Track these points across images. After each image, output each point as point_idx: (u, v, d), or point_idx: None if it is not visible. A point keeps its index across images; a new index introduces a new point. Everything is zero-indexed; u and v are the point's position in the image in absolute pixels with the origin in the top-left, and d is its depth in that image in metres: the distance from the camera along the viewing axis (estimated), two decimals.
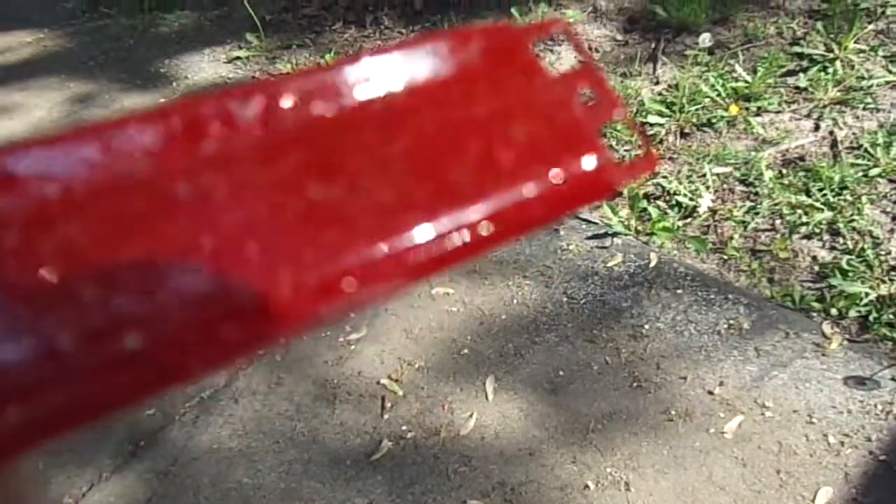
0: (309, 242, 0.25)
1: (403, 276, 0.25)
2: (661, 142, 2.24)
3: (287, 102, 0.27)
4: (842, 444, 1.44)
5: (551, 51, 2.77)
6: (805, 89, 2.31)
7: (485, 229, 0.27)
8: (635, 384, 1.60)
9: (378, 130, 0.27)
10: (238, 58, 3.20)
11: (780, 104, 2.29)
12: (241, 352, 0.23)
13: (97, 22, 3.79)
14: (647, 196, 2.05)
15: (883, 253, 1.77)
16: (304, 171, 0.26)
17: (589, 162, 0.30)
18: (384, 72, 0.29)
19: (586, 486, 1.44)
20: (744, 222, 1.93)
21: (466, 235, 0.26)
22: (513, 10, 2.89)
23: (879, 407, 1.49)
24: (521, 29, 0.33)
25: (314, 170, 0.26)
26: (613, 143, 2.26)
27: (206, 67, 3.20)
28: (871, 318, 1.64)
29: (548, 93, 0.31)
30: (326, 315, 0.24)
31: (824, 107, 2.23)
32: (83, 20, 3.84)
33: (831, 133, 2.15)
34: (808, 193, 1.95)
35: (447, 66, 0.30)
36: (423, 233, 0.26)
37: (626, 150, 2.25)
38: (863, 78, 2.28)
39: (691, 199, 2.00)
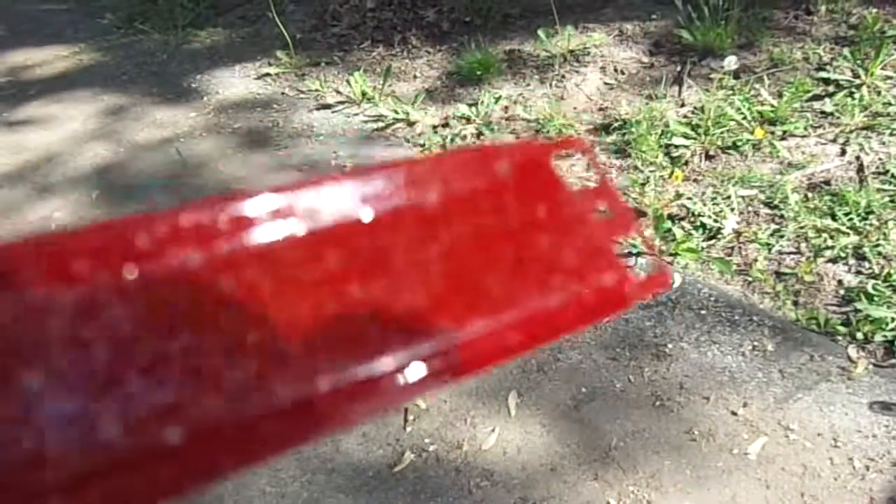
0: (348, 345, 0.25)
1: (437, 380, 0.26)
2: (686, 163, 2.26)
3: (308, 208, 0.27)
4: (867, 468, 1.43)
5: (577, 72, 2.79)
6: (831, 114, 2.31)
7: (514, 339, 0.28)
8: (658, 403, 1.60)
9: (412, 239, 0.28)
10: (268, 74, 3.26)
11: (805, 128, 2.29)
12: (276, 450, 0.23)
13: (131, 37, 3.88)
14: (671, 217, 2.06)
15: None
16: (335, 275, 0.26)
17: (609, 278, 0.31)
18: (410, 184, 0.29)
19: None
20: (769, 245, 1.93)
21: (494, 343, 0.27)
22: (539, 32, 2.92)
23: None
24: (542, 146, 0.34)
25: (344, 273, 0.26)
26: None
27: (236, 83, 3.26)
28: None
29: (569, 209, 0.33)
30: (362, 417, 0.24)
31: (850, 132, 2.24)
32: (118, 35, 3.93)
33: (857, 158, 2.15)
34: (833, 217, 1.95)
35: (476, 181, 0.31)
36: (454, 339, 0.27)
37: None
38: (889, 104, 2.28)
39: (716, 221, 2.01)
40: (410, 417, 1.65)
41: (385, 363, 0.25)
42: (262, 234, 0.26)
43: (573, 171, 1.91)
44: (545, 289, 0.29)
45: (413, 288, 0.27)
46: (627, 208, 0.35)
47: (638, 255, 1.80)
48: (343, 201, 0.27)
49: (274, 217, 0.26)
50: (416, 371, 0.26)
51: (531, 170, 0.33)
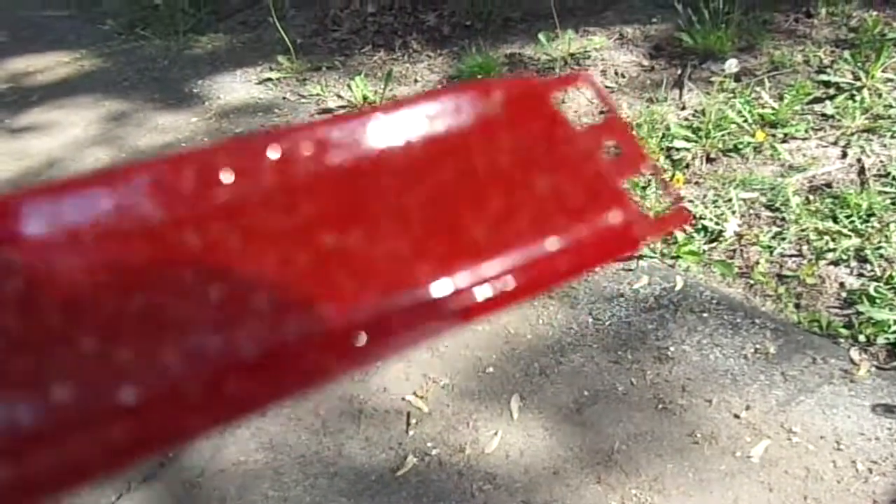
0: (321, 294, 0.23)
1: (419, 333, 0.24)
2: (687, 166, 2.26)
3: (307, 150, 0.26)
4: (870, 470, 1.43)
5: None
6: (832, 117, 2.32)
7: (506, 285, 0.26)
8: (660, 406, 1.60)
9: (399, 180, 0.27)
10: (269, 79, 3.27)
11: (806, 131, 2.29)
12: (245, 409, 0.21)
13: (132, 43, 3.89)
14: None
15: None
16: (319, 221, 0.25)
17: (615, 216, 0.29)
18: (408, 123, 0.28)
19: None
20: (770, 247, 1.93)
21: (488, 290, 0.25)
22: (540, 36, 2.93)
23: None
24: (544, 82, 0.32)
25: (331, 219, 0.25)
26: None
27: (237, 88, 3.27)
28: None
29: (573, 146, 0.30)
30: (337, 371, 0.23)
31: (851, 134, 2.24)
32: (119, 41, 3.94)
33: (859, 160, 2.15)
34: (835, 220, 1.95)
35: (472, 119, 0.29)
36: (440, 288, 0.25)
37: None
38: (890, 106, 2.28)
39: (717, 224, 2.01)
40: (413, 421, 1.65)
41: (365, 314, 0.23)
42: (232, 188, 0.24)
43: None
44: (544, 230, 0.27)
45: (395, 234, 0.25)
46: (638, 145, 0.32)
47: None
48: (335, 145, 0.26)
49: (247, 168, 0.25)
50: (392, 325, 0.24)
51: (530, 107, 0.31)
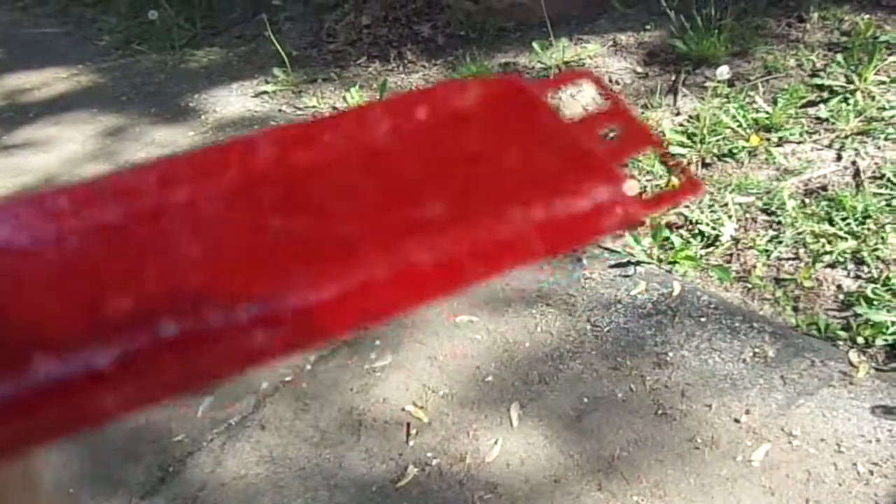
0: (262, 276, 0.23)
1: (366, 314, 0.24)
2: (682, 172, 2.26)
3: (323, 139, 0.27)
4: (871, 472, 1.43)
5: (572, 83, 2.80)
6: (826, 120, 2.32)
7: (472, 257, 0.25)
8: (660, 412, 1.60)
9: (372, 175, 0.27)
10: (265, 92, 3.28)
11: (801, 135, 2.30)
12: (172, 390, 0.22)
13: (129, 58, 3.90)
14: (669, 225, 2.06)
15: None
16: (279, 215, 0.25)
17: (605, 192, 0.28)
18: (385, 121, 0.28)
19: None
20: (767, 251, 1.94)
21: (451, 263, 0.25)
22: (534, 45, 2.94)
23: None
24: (539, 82, 0.31)
25: (288, 212, 0.25)
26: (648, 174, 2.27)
27: (233, 101, 3.28)
28: None
29: (562, 133, 0.29)
30: (260, 359, 0.23)
31: (846, 137, 2.24)
32: (115, 57, 3.96)
33: (853, 163, 2.16)
34: (831, 222, 1.96)
35: (456, 112, 0.28)
36: (390, 265, 0.24)
37: (651, 181, 2.27)
38: (884, 109, 2.29)
39: (714, 229, 2.01)
40: (413, 431, 1.64)
41: (312, 294, 0.23)
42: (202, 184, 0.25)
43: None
44: (526, 205, 0.26)
45: (353, 217, 0.25)
46: (641, 124, 0.30)
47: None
48: (321, 144, 0.27)
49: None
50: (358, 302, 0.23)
51: (520, 103, 0.30)
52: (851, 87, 2.39)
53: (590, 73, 0.33)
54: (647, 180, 2.27)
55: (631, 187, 0.28)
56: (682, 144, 2.33)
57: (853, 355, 1.64)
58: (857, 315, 1.72)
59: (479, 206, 0.26)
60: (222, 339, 0.22)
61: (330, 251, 0.24)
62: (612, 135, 0.30)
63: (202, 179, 0.25)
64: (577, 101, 2.22)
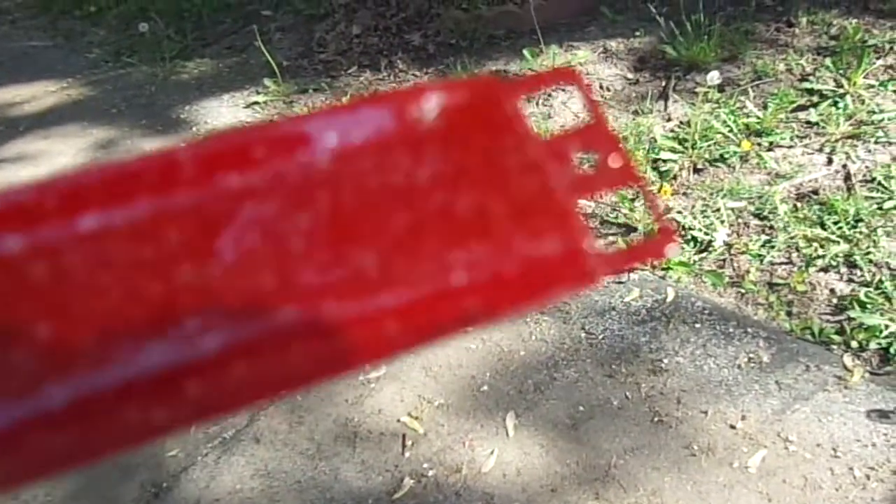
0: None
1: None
2: (674, 177, 2.27)
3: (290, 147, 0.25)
4: (867, 477, 1.43)
5: (563, 90, 2.81)
6: (816, 124, 2.33)
7: (396, 327, 0.22)
8: (656, 419, 1.59)
9: (301, 206, 0.24)
10: (256, 103, 3.27)
11: (792, 139, 2.31)
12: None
13: (119, 71, 3.89)
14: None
15: None
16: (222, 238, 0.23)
17: (554, 245, 0.24)
18: (328, 135, 0.25)
19: None
20: (760, 256, 1.94)
21: (365, 333, 0.22)
22: (525, 52, 2.94)
23: None
24: (514, 82, 0.27)
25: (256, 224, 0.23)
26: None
27: (224, 112, 3.27)
28: (891, 349, 1.63)
29: (535, 157, 0.25)
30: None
31: (836, 141, 2.25)
32: (105, 69, 3.95)
33: (844, 167, 2.17)
34: (823, 226, 1.96)
35: (410, 129, 0.25)
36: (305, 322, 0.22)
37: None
38: (874, 112, 2.30)
39: (706, 234, 2.01)
40: (408, 442, 1.64)
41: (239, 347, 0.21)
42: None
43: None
44: (454, 261, 0.22)
45: (276, 267, 0.22)
46: (622, 151, 0.26)
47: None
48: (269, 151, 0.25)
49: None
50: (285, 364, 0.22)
51: (488, 116, 0.25)
52: (841, 90, 2.40)
53: (572, 71, 0.29)
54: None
55: (591, 243, 0.24)
56: (673, 150, 2.34)
57: (847, 359, 1.64)
58: (850, 319, 1.72)
59: (414, 259, 0.22)
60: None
61: (232, 304, 0.22)
62: (587, 161, 0.26)
63: (111, 201, 0.24)
64: (568, 108, 2.22)
